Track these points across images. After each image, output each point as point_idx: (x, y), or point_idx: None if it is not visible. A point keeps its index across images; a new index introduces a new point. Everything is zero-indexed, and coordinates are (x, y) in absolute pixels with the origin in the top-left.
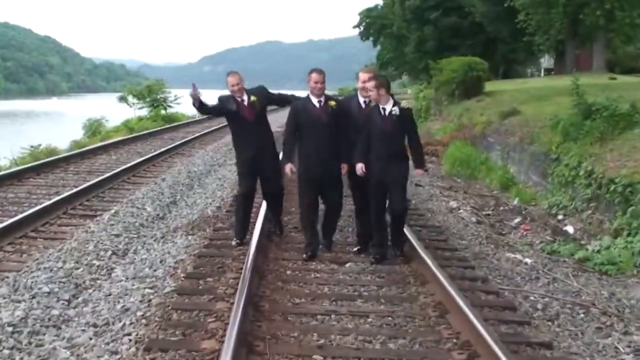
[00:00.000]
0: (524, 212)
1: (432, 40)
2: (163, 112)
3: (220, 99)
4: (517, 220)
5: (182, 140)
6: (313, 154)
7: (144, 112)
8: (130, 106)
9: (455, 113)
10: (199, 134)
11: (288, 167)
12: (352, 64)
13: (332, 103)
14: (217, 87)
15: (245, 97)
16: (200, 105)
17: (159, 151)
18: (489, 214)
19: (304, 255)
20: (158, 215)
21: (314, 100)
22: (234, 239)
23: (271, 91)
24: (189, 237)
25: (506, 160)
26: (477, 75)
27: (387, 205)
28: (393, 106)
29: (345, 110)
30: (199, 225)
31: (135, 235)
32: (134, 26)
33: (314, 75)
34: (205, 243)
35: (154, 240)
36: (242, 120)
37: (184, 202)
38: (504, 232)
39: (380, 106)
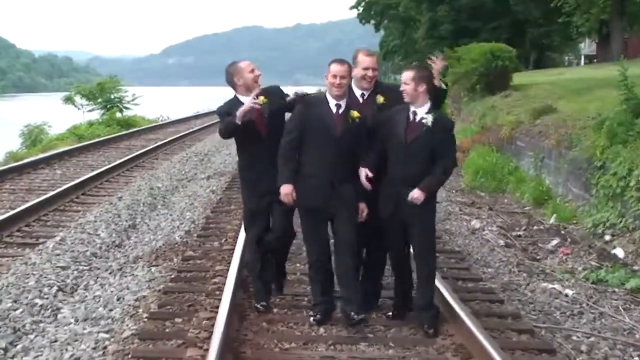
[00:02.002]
0: (562, 233)
1: (447, 23)
2: (118, 115)
3: (229, 104)
4: (554, 242)
5: (143, 150)
6: (317, 175)
7: (95, 115)
8: (79, 108)
9: (476, 112)
10: (163, 141)
11: (286, 191)
12: (348, 53)
13: (355, 113)
14: (183, 83)
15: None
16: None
17: (114, 163)
18: (519, 236)
19: (311, 319)
20: (114, 242)
21: (331, 103)
22: (256, 303)
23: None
24: (153, 269)
25: (540, 169)
26: (502, 65)
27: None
28: (428, 112)
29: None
30: (165, 253)
31: (86, 268)
32: (81, 12)
33: (335, 67)
34: (173, 276)
35: (110, 273)
36: (252, 133)
37: (146, 226)
38: (538, 257)
39: (412, 108)
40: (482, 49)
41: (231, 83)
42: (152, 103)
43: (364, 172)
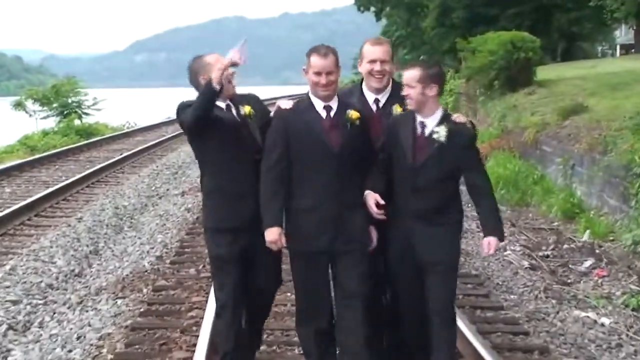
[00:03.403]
0: (597, 252)
1: (460, 10)
2: (77, 122)
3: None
4: (588, 263)
5: (106, 162)
6: (315, 208)
7: (50, 123)
8: (30, 115)
9: (495, 112)
10: (129, 152)
11: (272, 237)
12: (345, 47)
13: (354, 114)
14: (153, 84)
15: (232, 106)
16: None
17: (72, 179)
18: (547, 256)
19: None
20: (73, 271)
21: (318, 106)
22: None
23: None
24: (118, 302)
25: (570, 178)
26: (525, 57)
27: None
28: (440, 123)
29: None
30: (132, 283)
31: (40, 301)
32: (32, 6)
33: (316, 60)
34: (142, 309)
35: (68, 308)
36: (233, 143)
37: (110, 252)
38: (569, 281)
39: (419, 118)
40: (501, 39)
41: (196, 84)
42: (116, 107)
43: (372, 198)
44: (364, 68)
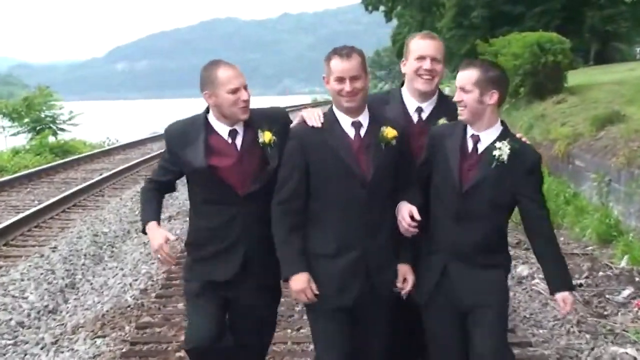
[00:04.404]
0: (637, 280)
1: (480, 8)
2: (51, 139)
3: (172, 132)
4: (626, 292)
5: (84, 184)
6: (340, 253)
7: (22, 140)
8: (0, 132)
9: (521, 123)
10: (110, 172)
11: (300, 286)
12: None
13: (389, 132)
14: (135, 96)
15: (241, 130)
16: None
17: (46, 203)
18: (580, 285)
19: None
20: (47, 307)
21: (344, 123)
22: None
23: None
24: (98, 341)
25: (606, 196)
26: (554, 61)
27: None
28: (498, 139)
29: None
30: (113, 320)
31: (10, 342)
32: (2, 10)
33: (337, 63)
34: (124, 349)
35: (41, 349)
36: (227, 189)
37: (88, 285)
38: (606, 313)
39: (471, 131)
40: (527, 41)
41: (202, 93)
42: (95, 122)
43: (407, 209)
44: (409, 66)
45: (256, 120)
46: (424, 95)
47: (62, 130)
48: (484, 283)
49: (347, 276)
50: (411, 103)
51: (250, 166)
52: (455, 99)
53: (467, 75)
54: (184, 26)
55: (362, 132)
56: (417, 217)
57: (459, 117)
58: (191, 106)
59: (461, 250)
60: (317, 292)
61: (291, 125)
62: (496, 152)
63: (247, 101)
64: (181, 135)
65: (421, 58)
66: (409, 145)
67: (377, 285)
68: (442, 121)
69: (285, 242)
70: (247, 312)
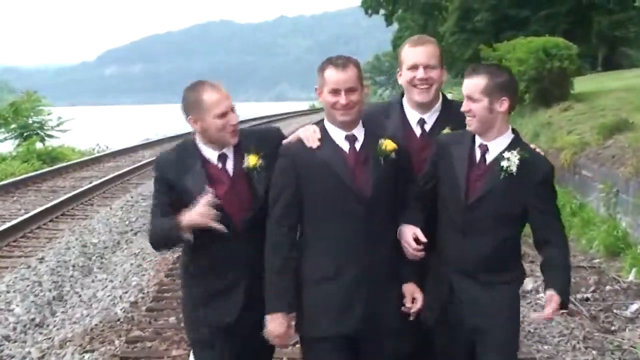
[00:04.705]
0: None
1: (484, 12)
2: (39, 145)
3: (165, 162)
4: (635, 307)
5: (73, 193)
6: (336, 276)
7: (8, 146)
8: None
9: (526, 131)
10: (100, 180)
11: (277, 326)
12: (351, 55)
13: (388, 144)
14: (127, 101)
15: (231, 154)
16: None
17: (33, 212)
18: (587, 299)
19: None
20: (33, 320)
21: (337, 137)
22: None
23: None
24: (86, 356)
25: (613, 207)
26: (560, 67)
27: None
28: (508, 149)
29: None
30: (102, 334)
31: None
32: None
33: (332, 74)
34: None
35: None
36: (225, 219)
37: (77, 297)
38: (613, 329)
39: (480, 140)
40: (532, 46)
41: (186, 118)
42: (85, 128)
43: (410, 232)
44: (404, 77)
45: (245, 142)
46: (424, 106)
47: (51, 136)
48: (494, 302)
49: (347, 298)
50: (412, 115)
51: (244, 193)
52: (462, 109)
53: (474, 83)
54: (177, 29)
55: (358, 145)
56: (423, 239)
57: (468, 128)
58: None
59: (468, 266)
60: (292, 342)
61: (283, 142)
62: (504, 163)
63: (235, 125)
64: (176, 164)
65: (413, 67)
66: (409, 159)
67: (381, 311)
68: (447, 131)
69: (278, 272)
70: (250, 344)
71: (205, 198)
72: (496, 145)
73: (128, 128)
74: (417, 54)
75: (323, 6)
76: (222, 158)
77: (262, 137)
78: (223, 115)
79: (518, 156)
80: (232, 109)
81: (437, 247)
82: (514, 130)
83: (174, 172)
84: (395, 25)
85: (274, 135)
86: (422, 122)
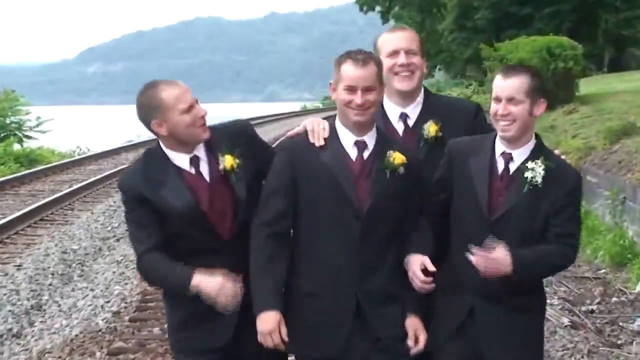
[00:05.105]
0: None
1: (485, 9)
2: (17, 147)
3: (133, 180)
4: None
5: (52, 197)
6: (327, 293)
7: None
8: None
9: None
10: (81, 184)
11: (269, 326)
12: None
13: (397, 157)
14: (110, 101)
15: (203, 154)
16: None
17: (10, 217)
18: (592, 311)
19: None
20: (10, 330)
21: (346, 140)
22: None
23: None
24: None
25: (620, 214)
26: (564, 67)
27: None
28: (530, 158)
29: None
30: (83, 345)
31: None
32: None
33: (350, 69)
34: None
35: None
36: (203, 230)
37: (56, 307)
38: (619, 342)
39: (502, 148)
40: (535, 45)
41: (148, 125)
42: (65, 129)
43: (418, 262)
44: (384, 66)
45: (215, 141)
46: (406, 97)
47: (29, 137)
48: (518, 334)
49: (330, 321)
50: (393, 110)
51: (226, 198)
52: (500, 112)
53: (518, 84)
54: (163, 26)
55: (366, 154)
56: (431, 268)
57: (504, 134)
58: None
59: (491, 290)
60: (286, 339)
61: (288, 134)
62: (528, 174)
63: (204, 117)
64: (147, 179)
65: (394, 53)
66: (419, 174)
67: (368, 335)
68: (430, 124)
69: (263, 270)
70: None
71: (231, 277)
72: (520, 153)
73: (110, 129)
74: (396, 39)
75: (316, 2)
76: (195, 162)
77: (232, 134)
78: (189, 109)
79: (543, 166)
80: (197, 101)
81: (450, 266)
82: (537, 136)
83: (147, 188)
84: (392, 23)
85: (243, 130)
86: (404, 117)
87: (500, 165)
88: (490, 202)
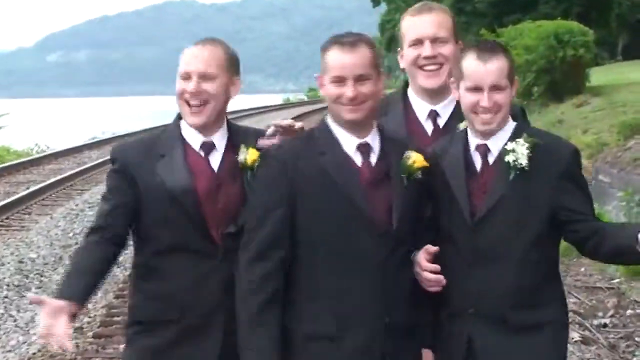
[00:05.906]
0: None
1: None
2: None
3: (126, 148)
4: None
5: (7, 200)
6: (336, 336)
7: None
8: None
9: None
10: (39, 185)
11: None
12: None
13: (417, 158)
14: (71, 93)
15: (220, 143)
16: None
17: None
18: (605, 324)
19: None
20: None
21: (347, 144)
22: None
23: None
24: None
25: (635, 217)
26: (574, 55)
27: None
28: (510, 139)
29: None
30: None
31: None
32: None
33: (337, 56)
34: None
35: None
36: (200, 228)
37: (12, 322)
38: (635, 359)
39: (475, 141)
40: (542, 31)
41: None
42: (22, 124)
43: (422, 255)
44: (405, 59)
45: (242, 135)
46: (435, 93)
47: None
48: (528, 356)
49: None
50: (421, 107)
51: (231, 197)
52: (484, 104)
53: (500, 67)
54: (130, 10)
55: (373, 159)
56: (433, 249)
57: (486, 127)
58: (142, 106)
59: (488, 308)
60: None
61: (264, 136)
62: (509, 157)
63: (196, 93)
64: (144, 149)
65: (417, 43)
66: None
67: None
68: (464, 125)
69: (259, 321)
70: None
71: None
72: (497, 140)
73: (72, 125)
74: (421, 24)
75: None
76: (207, 147)
77: (248, 133)
78: (183, 76)
79: (526, 144)
80: (201, 75)
81: (444, 288)
82: (513, 117)
83: (140, 159)
84: (384, 7)
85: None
86: (434, 115)
87: (478, 160)
88: (471, 204)
